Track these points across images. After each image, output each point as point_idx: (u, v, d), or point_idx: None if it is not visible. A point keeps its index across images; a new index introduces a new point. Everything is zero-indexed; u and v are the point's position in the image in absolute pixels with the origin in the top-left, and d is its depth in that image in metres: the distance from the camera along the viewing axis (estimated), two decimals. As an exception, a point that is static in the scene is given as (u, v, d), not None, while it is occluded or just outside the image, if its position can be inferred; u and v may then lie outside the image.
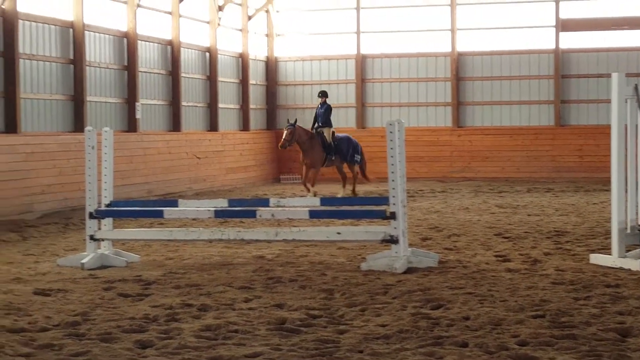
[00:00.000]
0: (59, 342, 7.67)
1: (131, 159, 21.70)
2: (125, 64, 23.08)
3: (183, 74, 25.61)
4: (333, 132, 23.56)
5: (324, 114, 23.40)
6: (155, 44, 24.56)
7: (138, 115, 23.08)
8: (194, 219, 15.81)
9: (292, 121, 23.06)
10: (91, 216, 12.30)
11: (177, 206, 13.09)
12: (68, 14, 20.73)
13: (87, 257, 12.04)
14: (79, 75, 20.90)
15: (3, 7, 18.40)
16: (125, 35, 23.03)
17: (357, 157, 23.76)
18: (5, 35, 18.60)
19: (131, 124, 23.02)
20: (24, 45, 19.20)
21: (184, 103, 25.58)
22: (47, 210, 18.71)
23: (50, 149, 19.14)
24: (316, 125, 23.46)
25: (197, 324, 8.34)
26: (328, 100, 23.90)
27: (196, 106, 26.69)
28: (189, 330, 8.09)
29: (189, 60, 26.16)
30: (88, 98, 21.22)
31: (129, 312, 8.90)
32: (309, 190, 22.61)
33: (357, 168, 23.89)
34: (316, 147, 22.99)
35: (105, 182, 12.66)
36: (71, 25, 20.78)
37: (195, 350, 7.42)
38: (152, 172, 22.93)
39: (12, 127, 18.65)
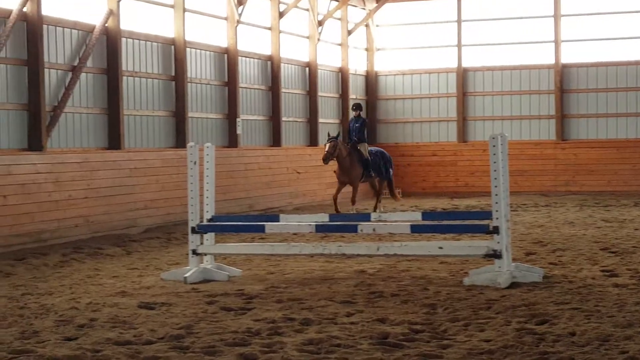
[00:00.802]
0: (163, 354, 7.72)
1: (232, 174, 21.87)
2: (226, 79, 23.31)
3: (283, 89, 25.76)
4: (367, 147, 22.75)
5: (359, 129, 22.45)
6: (256, 60, 24.75)
7: (239, 131, 23.27)
8: (294, 234, 15.84)
9: (334, 134, 22.20)
10: (193, 231, 12.38)
11: (278, 221, 13.12)
12: (170, 31, 21.03)
13: (190, 271, 12.12)
14: (181, 92, 21.18)
15: (106, 25, 18.75)
16: (226, 51, 23.26)
17: (391, 173, 23.36)
18: (109, 53, 18.93)
19: (232, 140, 23.22)
20: (126, 62, 19.53)
21: (284, 118, 25.72)
22: (150, 225, 18.97)
23: (153, 165, 19.42)
24: (350, 140, 22.48)
25: (299, 338, 8.30)
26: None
27: (296, 121, 26.81)
28: (291, 344, 8.06)
29: (288, 75, 26.31)
30: (189, 114, 21.49)
31: (231, 326, 8.92)
32: (337, 211, 21.61)
33: (385, 184, 23.41)
34: (355, 163, 22.10)
35: (207, 197, 12.76)
36: (173, 42, 21.07)
37: (298, 364, 7.39)
38: (252, 187, 23.07)
39: (115, 143, 18.95)
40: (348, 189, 22.74)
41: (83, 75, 18.29)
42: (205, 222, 12.56)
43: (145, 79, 20.27)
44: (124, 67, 19.31)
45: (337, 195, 22.07)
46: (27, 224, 15.87)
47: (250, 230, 14.27)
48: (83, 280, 12.34)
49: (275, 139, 25.34)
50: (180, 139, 21.01)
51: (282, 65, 25.63)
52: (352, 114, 22.95)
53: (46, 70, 17.10)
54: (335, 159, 21.70)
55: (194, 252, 12.35)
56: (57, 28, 17.74)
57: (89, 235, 17.23)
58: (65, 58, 17.94)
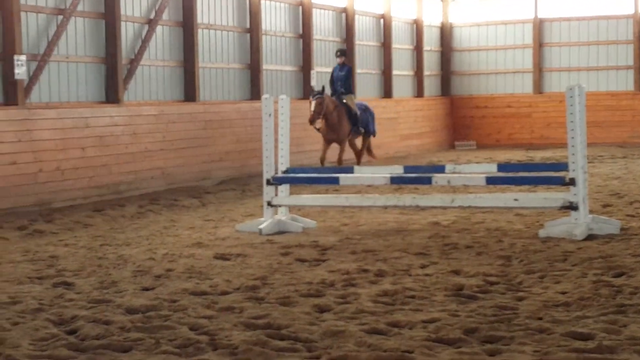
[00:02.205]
0: (239, 305, 7.79)
1: (306, 127, 21.85)
2: (300, 32, 23.28)
3: (357, 42, 25.62)
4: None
5: (345, 78, 19.99)
6: (330, 12, 24.65)
7: (313, 83, 23.25)
8: (368, 186, 15.82)
9: (318, 88, 19.73)
10: (268, 183, 12.44)
11: (352, 173, 13.12)
12: (244, -16, 21.05)
13: (265, 222, 12.20)
14: (255, 44, 21.21)
15: (182, -22, 18.84)
16: (300, 3, 23.20)
17: (376, 129, 21.11)
18: (184, 5, 19.01)
19: (306, 92, 23.21)
20: (202, 15, 19.60)
21: (358, 70, 25.58)
22: (225, 177, 19.13)
23: (227, 117, 19.54)
24: (336, 91, 19.97)
25: (374, 290, 8.32)
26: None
27: (370, 73, 26.68)
28: (366, 295, 8.08)
29: (363, 27, 26.15)
30: (264, 66, 21.52)
31: (306, 277, 8.97)
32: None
33: (369, 140, 21.02)
34: (343, 118, 19.62)
35: (282, 150, 12.80)
36: (247, -6, 21.09)
37: (372, 315, 7.40)
38: (327, 139, 23.01)
39: (191, 96, 19.11)
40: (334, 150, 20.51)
41: (159, 28, 18.41)
42: (280, 174, 12.61)
43: (220, 32, 20.34)
44: (199, 20, 19.38)
45: (324, 156, 19.72)
46: (104, 176, 16.13)
47: (324, 182, 14.30)
48: (159, 231, 12.51)
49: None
50: (254, 92, 21.09)
51: (356, 17, 25.48)
52: (336, 61, 20.46)
53: (122, 23, 17.24)
54: (323, 116, 19.33)
55: (269, 203, 12.41)
56: (133, -19, 17.90)
57: (164, 187, 17.45)
58: (142, 11, 18.06)
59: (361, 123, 20.06)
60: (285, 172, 12.73)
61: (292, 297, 8.11)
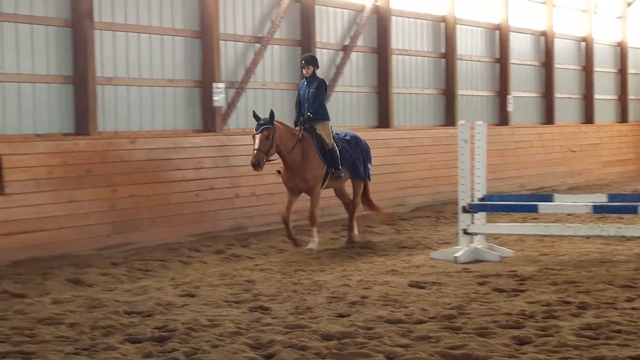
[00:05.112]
0: (435, 334, 7.61)
1: (503, 153, 21.44)
2: (497, 56, 22.89)
3: (557, 65, 24.97)
4: (331, 128, 13.77)
5: (314, 97, 13.44)
6: (528, 35, 24.15)
7: (510, 108, 22.80)
8: (569, 214, 15.28)
9: (264, 115, 13.08)
10: (464, 210, 12.16)
11: (552, 201, 12.68)
12: (439, 9, 20.86)
13: (460, 250, 11.93)
14: (450, 69, 21.01)
15: (377, 4, 18.84)
16: (497, 27, 22.84)
17: (370, 169, 14.46)
18: (379, 31, 19.05)
19: (502, 117, 22.80)
20: (396, 41, 19.57)
21: (557, 95, 24.95)
22: (419, 204, 18.91)
23: (422, 143, 19.35)
24: (301, 117, 13.56)
25: (576, 322, 7.95)
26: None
27: (570, 98, 25.92)
28: (568, 328, 7.72)
29: (562, 50, 25.48)
30: (459, 92, 21.26)
31: (504, 308, 8.66)
32: (292, 238, 13.28)
33: (362, 187, 14.47)
34: (310, 157, 13.29)
35: (478, 176, 12.50)
36: (443, 19, 20.91)
37: (575, 349, 7.07)
38: (524, 165, 22.53)
39: (385, 121, 19.08)
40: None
41: (353, 55, 18.49)
42: (476, 202, 12.31)
43: (414, 57, 20.25)
44: (393, 46, 19.35)
45: (288, 214, 13.21)
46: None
47: (522, 210, 13.89)
48: (353, 257, 12.43)
49: (547, 116, 24.65)
50: (449, 117, 20.88)
51: (555, 40, 24.85)
52: (302, 72, 13.78)
53: (317, 49, 17.38)
54: (278, 154, 13.04)
55: (465, 231, 12.13)
56: (329, 8, 18.01)
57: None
58: (337, 38, 18.18)
59: (344, 162, 13.74)
60: (481, 199, 12.41)
61: (490, 327, 7.85)
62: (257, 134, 12.64)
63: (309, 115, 13.40)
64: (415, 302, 9.06)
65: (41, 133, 13.10)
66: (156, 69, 14.75)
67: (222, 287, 10.17)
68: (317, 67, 13.61)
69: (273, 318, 8.43)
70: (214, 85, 15.28)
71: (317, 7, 17.44)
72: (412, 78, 20.24)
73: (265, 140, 12.61)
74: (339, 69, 18.02)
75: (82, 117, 13.44)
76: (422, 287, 9.94)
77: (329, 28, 18.03)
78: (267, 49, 16.45)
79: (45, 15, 13.16)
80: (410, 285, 10.03)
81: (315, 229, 13.43)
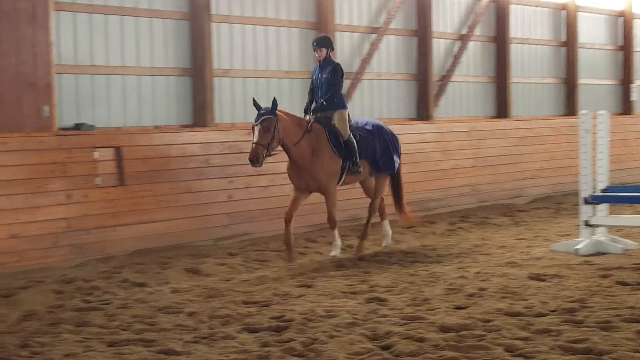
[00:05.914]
0: (556, 327, 7.44)
1: (626, 143, 20.87)
2: (620, 44, 22.32)
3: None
4: (349, 117, 12.00)
5: (328, 83, 11.76)
6: (652, 22, 23.51)
7: (633, 97, 22.21)
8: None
9: (264, 104, 11.43)
10: (586, 201, 11.86)
11: (678, 191, 12.26)
12: (558, -4, 20.51)
13: (582, 243, 11.65)
14: (571, 58, 20.60)
15: (495, -7, 18.61)
16: (621, 14, 22.30)
17: (397, 162, 12.54)
18: (497, 20, 18.77)
19: (625, 106, 22.23)
20: (515, 29, 19.26)
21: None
22: (538, 195, 18.55)
23: (541, 133, 18.97)
24: (313, 105, 11.96)
25: None
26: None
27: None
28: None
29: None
30: (580, 81, 20.80)
31: (628, 301, 8.42)
32: (288, 249, 11.56)
33: (385, 184, 12.64)
34: (321, 151, 11.65)
35: (600, 167, 12.18)
36: (563, 7, 20.52)
37: None
38: (647, 156, 21.94)
39: (503, 111, 18.81)
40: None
41: (471, 44, 18.28)
42: (598, 193, 11.99)
43: (534, 46, 19.89)
44: (512, 34, 19.04)
45: (291, 213, 11.62)
46: (414, 193, 16.04)
47: (646, 201, 13.46)
48: (471, 249, 12.26)
49: (677, 106, 23.98)
50: (569, 107, 20.48)
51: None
52: (315, 55, 12.13)
53: (434, 39, 17.22)
54: (282, 147, 11.51)
55: (586, 223, 11.83)
56: (444, -3, 17.88)
57: (475, 204, 17.14)
58: (454, 27, 17.98)
59: (362, 154, 12.01)
60: (604, 190, 12.07)
61: (613, 321, 7.63)
62: (256, 125, 11.08)
63: (322, 103, 11.75)
64: (535, 294, 8.87)
65: (160, 125, 13.31)
66: (272, 60, 14.82)
67: (338, 279, 10.15)
68: (332, 50, 11.94)
69: (390, 309, 8.38)
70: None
71: (431, -4, 17.30)
72: (531, 67, 19.90)
73: (266, 132, 11.04)
74: (456, 58, 17.82)
75: (200, 109, 13.60)
76: (542, 280, 9.72)
77: (446, 17, 17.84)
78: (383, 39, 16.36)
79: (164, 9, 13.35)
80: (530, 278, 9.82)
81: (336, 232, 11.81)
